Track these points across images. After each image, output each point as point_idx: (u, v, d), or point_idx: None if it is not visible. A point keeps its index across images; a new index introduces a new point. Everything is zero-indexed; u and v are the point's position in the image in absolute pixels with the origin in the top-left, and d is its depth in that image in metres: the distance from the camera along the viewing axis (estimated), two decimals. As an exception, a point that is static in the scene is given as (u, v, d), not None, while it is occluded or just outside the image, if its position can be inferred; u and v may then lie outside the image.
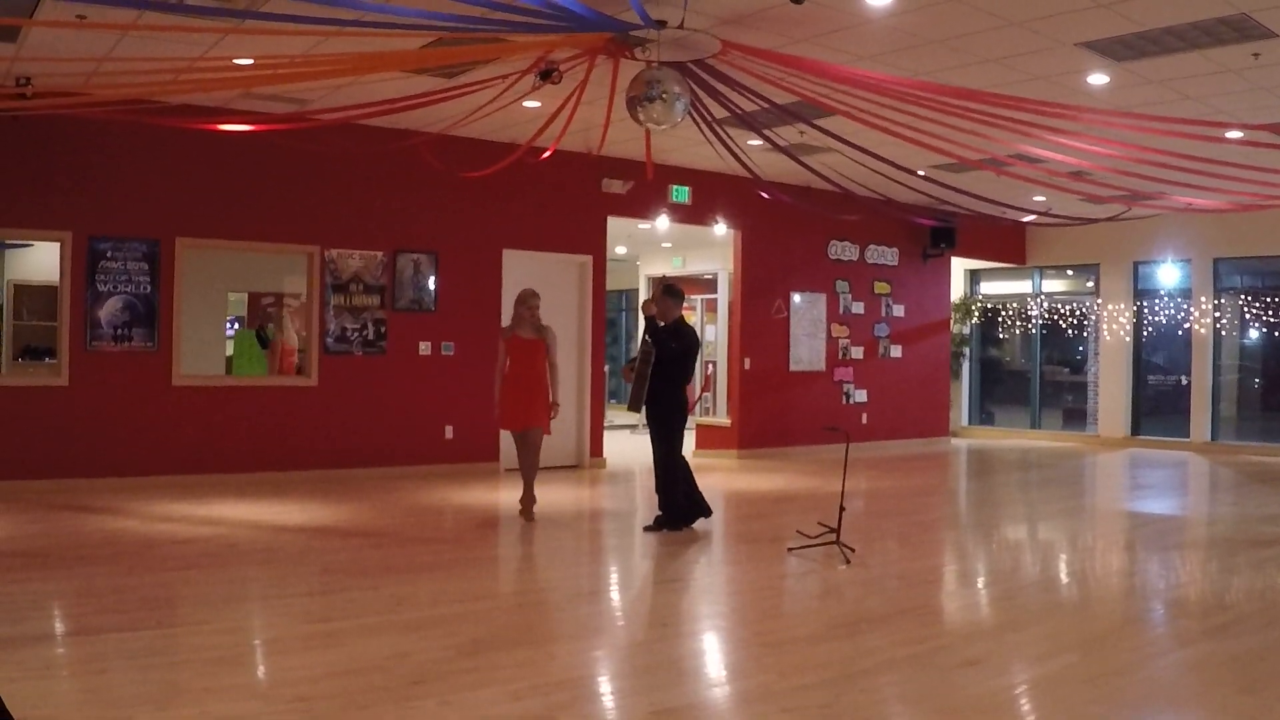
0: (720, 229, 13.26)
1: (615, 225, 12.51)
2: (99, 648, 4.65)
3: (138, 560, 6.55)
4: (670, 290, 8.17)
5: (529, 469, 8.45)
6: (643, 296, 16.25)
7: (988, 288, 17.75)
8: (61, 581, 6.00)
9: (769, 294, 13.68)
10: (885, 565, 6.97)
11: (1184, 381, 15.27)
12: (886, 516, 9.22)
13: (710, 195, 12.77)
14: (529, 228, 11.60)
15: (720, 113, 8.26)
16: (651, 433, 8.08)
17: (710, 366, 16.82)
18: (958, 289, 17.15)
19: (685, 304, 8.51)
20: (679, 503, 7.90)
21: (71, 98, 8.34)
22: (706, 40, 7.01)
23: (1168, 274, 15.59)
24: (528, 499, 8.39)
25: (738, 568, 7.11)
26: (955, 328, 16.80)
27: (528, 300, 8.43)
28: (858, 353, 14.70)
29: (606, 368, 12.67)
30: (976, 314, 17.43)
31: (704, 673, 4.75)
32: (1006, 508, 10.20)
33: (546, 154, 9.32)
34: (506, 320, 11.27)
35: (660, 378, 7.84)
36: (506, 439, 11.29)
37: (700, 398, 16.22)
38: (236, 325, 13.35)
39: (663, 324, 7.97)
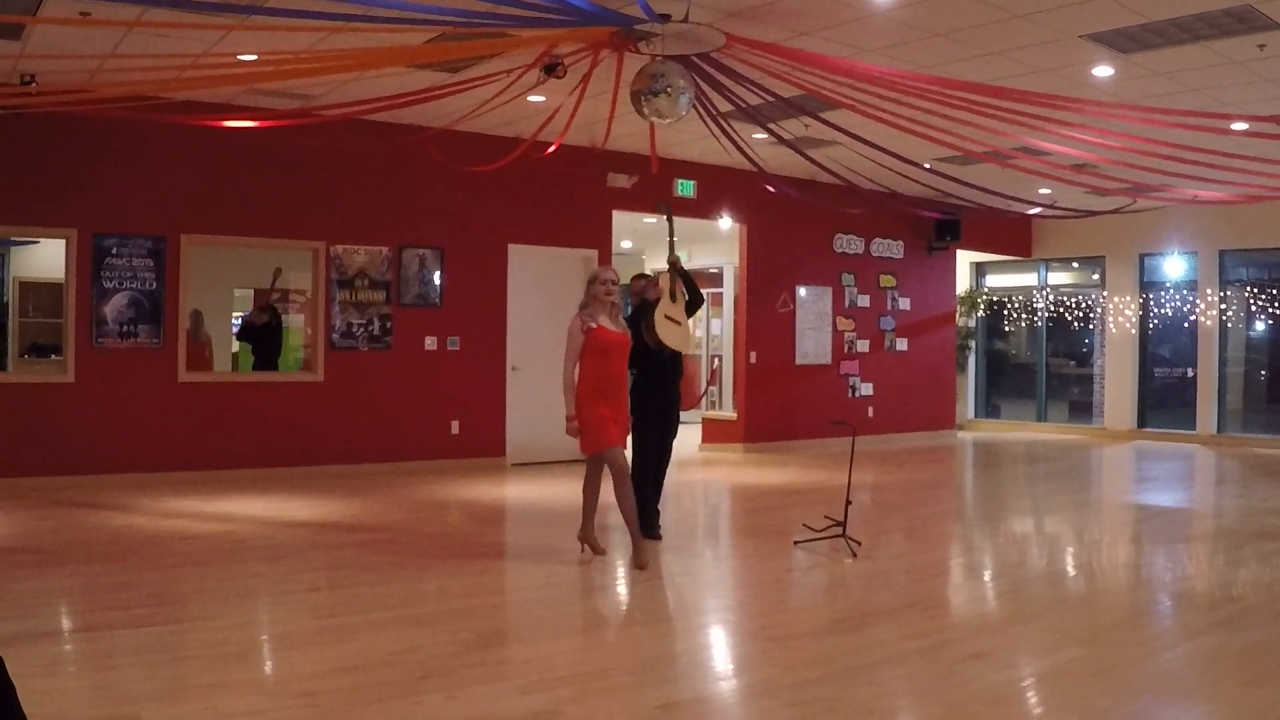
0: (725, 223, 13.24)
1: (620, 219, 12.51)
2: (106, 644, 4.67)
3: (144, 556, 6.57)
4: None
5: (629, 497, 6.47)
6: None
7: (993, 280, 17.73)
8: (68, 578, 6.02)
9: (774, 287, 13.67)
10: (891, 559, 6.97)
11: (1190, 374, 15.24)
12: (893, 510, 9.21)
13: (715, 189, 12.75)
14: (534, 222, 11.59)
15: (725, 106, 8.24)
16: (669, 435, 7.47)
17: (716, 360, 16.81)
18: (963, 282, 17.12)
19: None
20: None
21: (76, 95, 8.34)
22: (711, 34, 6.99)
23: (1174, 266, 15.55)
24: (636, 536, 6.53)
25: (743, 562, 7.11)
26: (961, 321, 16.77)
27: (604, 279, 6.53)
28: (863, 346, 14.69)
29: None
30: (982, 307, 17.41)
31: (710, 667, 4.75)
32: (1013, 501, 10.19)
33: (551, 149, 9.31)
34: (522, 307, 11.52)
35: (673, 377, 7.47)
36: (517, 435, 11.44)
37: (706, 392, 16.21)
38: (242, 321, 13.36)
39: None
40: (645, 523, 7.13)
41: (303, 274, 11.06)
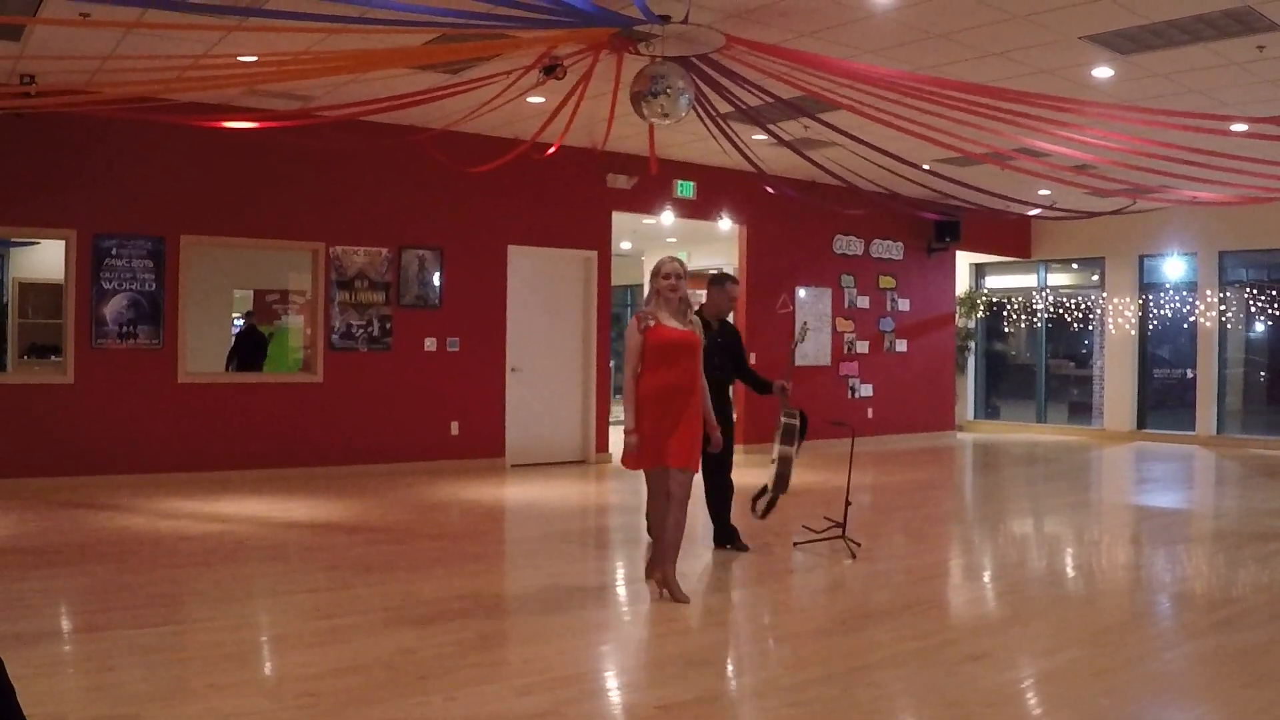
0: (725, 224, 13.24)
1: (620, 220, 12.50)
2: (106, 645, 4.66)
3: (144, 557, 6.57)
4: (717, 279, 7.35)
5: (674, 527, 5.67)
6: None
7: (993, 282, 17.73)
8: (68, 579, 6.01)
9: (774, 289, 13.67)
10: (891, 560, 6.97)
11: (1190, 375, 15.24)
12: (892, 511, 9.21)
13: (715, 190, 12.75)
14: (534, 223, 11.59)
15: (724, 107, 8.24)
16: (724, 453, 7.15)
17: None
18: (963, 283, 17.12)
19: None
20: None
21: (76, 96, 8.34)
22: (710, 35, 7.00)
23: (1173, 267, 15.55)
24: (668, 569, 5.69)
25: (743, 562, 7.10)
26: (960, 322, 16.77)
27: (666, 272, 5.64)
28: (863, 347, 14.69)
29: (612, 363, 12.66)
30: (982, 308, 17.41)
31: (709, 667, 4.74)
32: (1012, 502, 10.19)
33: (551, 150, 9.31)
34: (526, 306, 11.51)
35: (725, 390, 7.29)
36: (516, 437, 11.43)
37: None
38: (242, 323, 13.37)
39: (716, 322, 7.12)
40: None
41: (302, 275, 11.06)
